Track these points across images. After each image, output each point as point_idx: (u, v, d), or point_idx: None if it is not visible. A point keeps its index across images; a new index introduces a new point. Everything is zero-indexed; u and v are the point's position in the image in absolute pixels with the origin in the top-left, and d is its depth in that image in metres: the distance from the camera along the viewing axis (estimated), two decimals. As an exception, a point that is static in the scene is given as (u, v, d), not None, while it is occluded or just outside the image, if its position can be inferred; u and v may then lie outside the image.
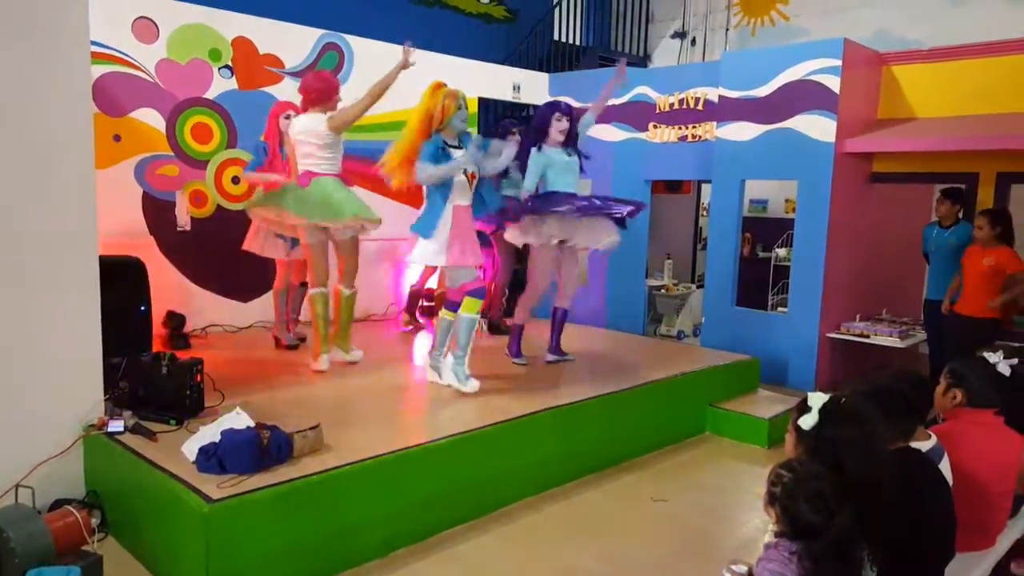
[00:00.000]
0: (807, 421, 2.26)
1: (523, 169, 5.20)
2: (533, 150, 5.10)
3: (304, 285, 5.44)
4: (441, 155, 4.32)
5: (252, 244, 5.37)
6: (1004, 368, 3.07)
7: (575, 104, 7.29)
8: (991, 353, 3.16)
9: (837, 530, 2.02)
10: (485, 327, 6.17)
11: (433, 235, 4.39)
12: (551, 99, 5.38)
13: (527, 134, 5.43)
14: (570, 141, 5.16)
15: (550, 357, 5.43)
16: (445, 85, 4.42)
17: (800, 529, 2.07)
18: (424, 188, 4.57)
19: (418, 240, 4.45)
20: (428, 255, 4.47)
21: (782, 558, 2.05)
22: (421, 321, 6.59)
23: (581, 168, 5.25)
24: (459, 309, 4.55)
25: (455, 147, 4.42)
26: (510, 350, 5.36)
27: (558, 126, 5.07)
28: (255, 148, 5.27)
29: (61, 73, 3.46)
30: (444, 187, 4.39)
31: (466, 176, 4.43)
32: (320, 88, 4.80)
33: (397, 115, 6.51)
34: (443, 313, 4.71)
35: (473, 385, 4.49)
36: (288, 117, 5.18)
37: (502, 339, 5.72)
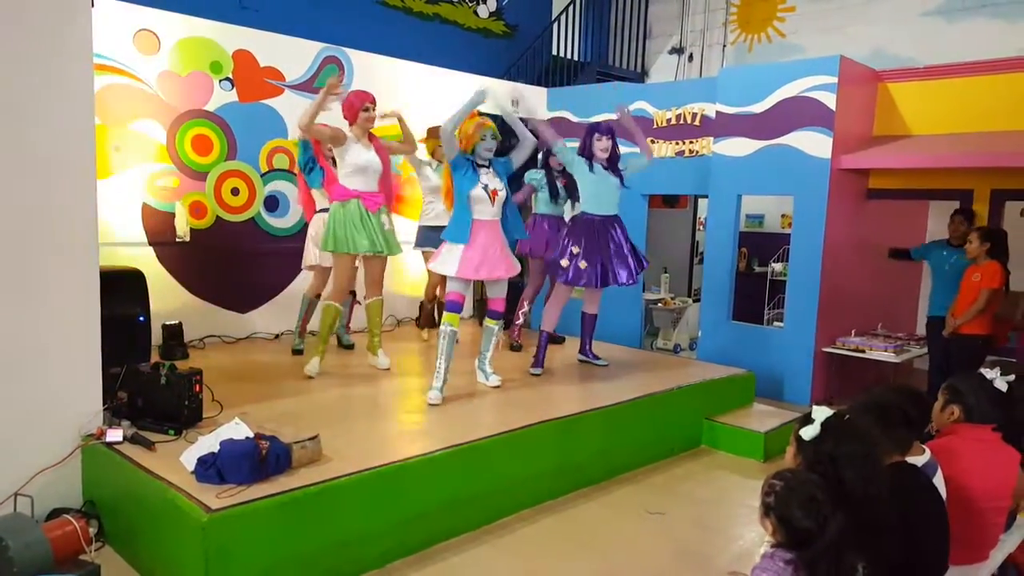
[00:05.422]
0: (808, 432, 2.29)
1: (570, 189, 5.80)
2: (578, 157, 5.34)
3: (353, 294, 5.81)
4: (468, 168, 4.60)
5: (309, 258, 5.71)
6: (1001, 384, 3.09)
7: (573, 119, 7.32)
8: (988, 369, 3.19)
9: (832, 534, 2.05)
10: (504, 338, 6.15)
11: (453, 244, 4.60)
12: (590, 123, 5.59)
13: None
14: (612, 162, 5.39)
15: (580, 357, 5.77)
16: (479, 115, 4.68)
17: (796, 536, 2.09)
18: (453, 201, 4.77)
19: (443, 247, 4.69)
20: (440, 262, 4.66)
21: (777, 567, 2.07)
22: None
23: (622, 183, 5.44)
24: (488, 318, 4.97)
25: (484, 166, 4.67)
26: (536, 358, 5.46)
27: (599, 144, 5.30)
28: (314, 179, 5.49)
29: (64, 84, 3.48)
30: (463, 200, 4.59)
31: (487, 193, 4.59)
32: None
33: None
34: (487, 322, 5.01)
35: (495, 380, 4.91)
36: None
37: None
